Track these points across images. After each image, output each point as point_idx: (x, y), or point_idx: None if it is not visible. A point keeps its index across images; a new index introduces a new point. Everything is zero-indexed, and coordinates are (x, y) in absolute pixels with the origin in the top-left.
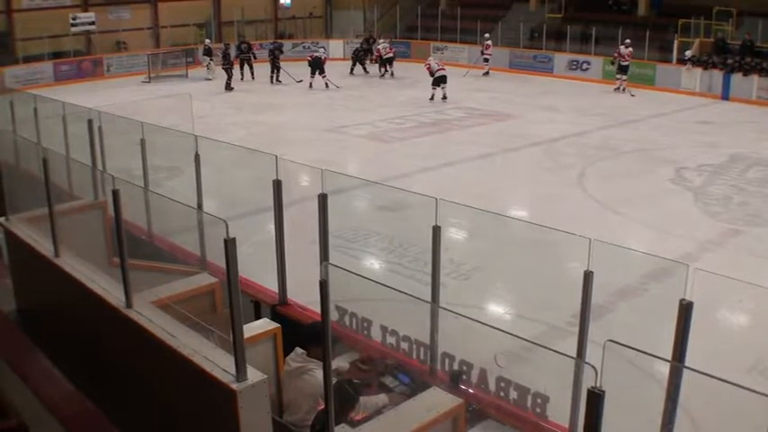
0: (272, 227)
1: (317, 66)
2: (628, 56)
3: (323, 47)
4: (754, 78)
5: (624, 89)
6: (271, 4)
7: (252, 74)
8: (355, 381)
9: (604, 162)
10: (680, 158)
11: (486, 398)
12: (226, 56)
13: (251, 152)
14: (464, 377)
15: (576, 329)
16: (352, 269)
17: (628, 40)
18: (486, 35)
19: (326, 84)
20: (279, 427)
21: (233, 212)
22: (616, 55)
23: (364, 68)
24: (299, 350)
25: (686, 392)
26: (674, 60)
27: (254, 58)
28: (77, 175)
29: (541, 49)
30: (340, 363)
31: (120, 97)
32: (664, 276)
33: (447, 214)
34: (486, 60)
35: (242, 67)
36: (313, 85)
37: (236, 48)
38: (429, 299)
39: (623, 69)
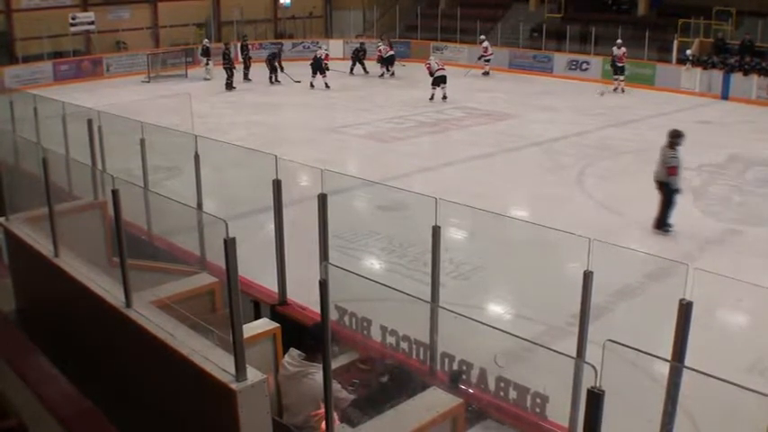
0: (271, 227)
1: (317, 66)
2: (623, 56)
3: (322, 46)
4: (754, 78)
5: (623, 90)
6: (270, 3)
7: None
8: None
9: (604, 162)
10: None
11: (486, 398)
12: (226, 55)
13: (251, 152)
14: (464, 377)
15: (576, 329)
16: (352, 269)
17: (619, 41)
18: (482, 37)
19: (326, 84)
20: (278, 427)
21: (233, 212)
22: (612, 57)
23: (364, 68)
24: (293, 352)
25: (686, 392)
26: (674, 60)
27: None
28: (77, 174)
29: (541, 49)
30: (342, 362)
31: (120, 97)
32: (663, 276)
33: (447, 214)
34: (488, 61)
35: (247, 68)
36: (314, 84)
37: (242, 48)
38: (429, 299)
39: (619, 70)
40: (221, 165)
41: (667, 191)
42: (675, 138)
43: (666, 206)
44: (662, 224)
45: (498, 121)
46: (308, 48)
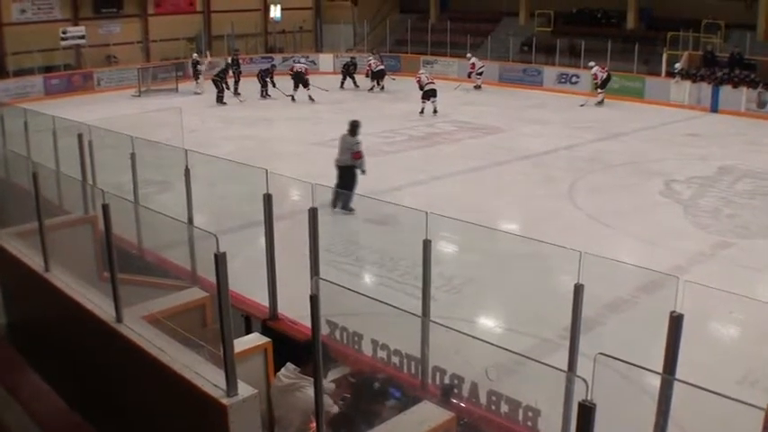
0: (262, 241)
1: (299, 80)
2: (596, 74)
3: (302, 60)
4: (743, 91)
5: (601, 102)
6: (261, 18)
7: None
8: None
9: (594, 175)
10: (669, 171)
11: (478, 411)
12: (223, 70)
13: (241, 166)
14: (455, 391)
15: (567, 342)
16: (343, 283)
17: (591, 63)
18: (468, 55)
19: (310, 97)
20: None
21: (223, 227)
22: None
23: (354, 82)
24: (290, 366)
25: (677, 405)
26: (663, 73)
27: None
28: (67, 189)
29: (531, 62)
30: (334, 376)
31: (111, 111)
32: (654, 289)
33: (437, 228)
34: (480, 75)
35: (236, 82)
36: (296, 98)
37: (233, 62)
38: (420, 313)
39: (600, 86)
40: (212, 179)
41: (351, 174)
42: (356, 127)
43: (351, 188)
44: (346, 205)
45: (488, 135)
46: (297, 62)
